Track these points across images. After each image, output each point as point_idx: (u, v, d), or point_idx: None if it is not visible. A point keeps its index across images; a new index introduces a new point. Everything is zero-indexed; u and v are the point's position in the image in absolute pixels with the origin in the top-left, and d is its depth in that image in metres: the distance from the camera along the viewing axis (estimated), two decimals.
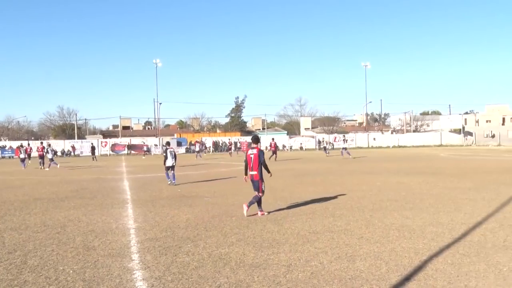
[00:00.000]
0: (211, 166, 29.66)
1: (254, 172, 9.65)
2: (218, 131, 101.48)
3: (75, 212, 10.69)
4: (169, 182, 16.77)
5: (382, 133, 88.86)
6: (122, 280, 5.43)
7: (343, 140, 47.81)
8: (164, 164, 17.15)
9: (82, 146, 64.70)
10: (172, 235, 7.89)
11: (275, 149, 35.64)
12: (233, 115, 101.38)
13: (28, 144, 41.48)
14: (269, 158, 33.58)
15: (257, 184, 9.69)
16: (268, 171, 9.98)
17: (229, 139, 65.75)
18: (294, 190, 14.04)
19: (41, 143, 37.43)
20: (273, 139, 38.01)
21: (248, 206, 9.64)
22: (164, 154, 17.46)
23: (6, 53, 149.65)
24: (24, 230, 8.66)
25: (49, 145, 35.46)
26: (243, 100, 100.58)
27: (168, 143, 18.37)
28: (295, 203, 11.38)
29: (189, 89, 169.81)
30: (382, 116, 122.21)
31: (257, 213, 9.70)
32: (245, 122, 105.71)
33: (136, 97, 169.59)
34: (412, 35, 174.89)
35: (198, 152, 47.87)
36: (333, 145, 73.64)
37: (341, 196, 12.69)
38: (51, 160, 31.28)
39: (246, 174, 9.86)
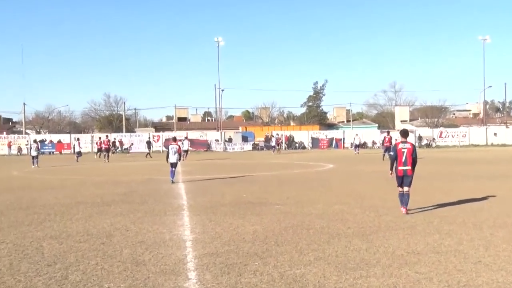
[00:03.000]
0: (283, 166, 29.63)
1: (408, 167, 11.09)
2: (292, 123, 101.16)
3: (123, 219, 11.05)
4: (172, 180, 19.07)
5: (507, 126, 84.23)
6: None
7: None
8: (167, 160, 19.37)
9: (131, 141, 65.83)
10: (236, 249, 7.96)
11: (389, 144, 35.37)
12: (310, 104, 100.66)
13: (107, 137, 45.25)
14: (383, 156, 34.09)
15: (411, 179, 11.14)
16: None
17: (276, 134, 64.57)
18: (387, 198, 13.66)
19: (106, 136, 45.52)
20: (388, 132, 38.56)
21: (406, 207, 11.08)
22: (167, 150, 19.84)
23: (46, 34, 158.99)
24: (65, 239, 9.07)
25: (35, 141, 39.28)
26: (323, 86, 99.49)
27: (174, 139, 20.58)
28: (388, 215, 11.11)
29: (258, 73, 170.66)
30: (507, 104, 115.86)
31: (402, 210, 10.94)
32: (325, 113, 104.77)
33: (194, 84, 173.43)
34: None
35: (273, 147, 52.18)
36: (434, 141, 70.95)
37: (449, 206, 12.22)
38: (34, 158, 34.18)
39: (391, 169, 11.39)
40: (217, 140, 68.49)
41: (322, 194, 15.30)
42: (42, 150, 62.49)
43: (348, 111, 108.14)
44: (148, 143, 51.34)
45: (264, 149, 62.79)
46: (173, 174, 19.39)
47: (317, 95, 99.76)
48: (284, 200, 13.92)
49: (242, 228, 9.81)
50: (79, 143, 42.80)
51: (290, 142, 69.52)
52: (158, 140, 67.52)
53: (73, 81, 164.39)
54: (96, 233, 9.57)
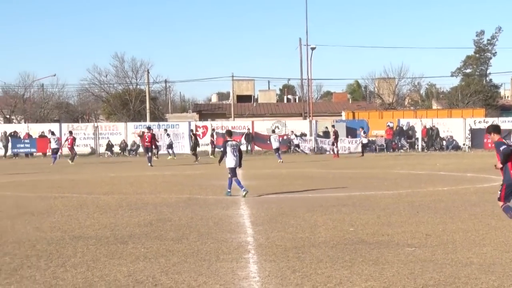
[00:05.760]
0: (418, 180, 22.53)
1: None
2: (435, 105, 67.25)
3: (148, 267, 8.56)
4: (228, 192, 16.42)
5: None
6: None
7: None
8: (219, 163, 17.45)
9: (161, 135, 43.26)
10: None
11: None
12: (469, 71, 68.16)
13: (150, 130, 33.84)
14: None
15: None
16: None
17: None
18: None
19: (149, 129, 34.34)
20: None
21: None
22: (222, 148, 17.52)
23: None
24: None
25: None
26: (493, 38, 65.59)
27: (229, 133, 18.04)
28: None
29: (370, 21, 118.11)
30: None
31: None
32: (497, 87, 69.08)
33: (266, 38, 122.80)
34: None
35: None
36: None
37: None
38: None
39: None
40: (303, 135, 47.14)
41: (490, 229, 11.52)
42: (15, 150, 46.31)
43: None
44: (192, 136, 39.36)
45: (385, 150, 45.65)
46: (231, 184, 16.43)
47: (481, 56, 67.44)
48: (422, 239, 10.69)
49: (349, 285, 7.48)
50: (58, 137, 33.19)
51: (432, 137, 48.30)
52: (204, 134, 46.63)
53: (65, 36, 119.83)
54: None
